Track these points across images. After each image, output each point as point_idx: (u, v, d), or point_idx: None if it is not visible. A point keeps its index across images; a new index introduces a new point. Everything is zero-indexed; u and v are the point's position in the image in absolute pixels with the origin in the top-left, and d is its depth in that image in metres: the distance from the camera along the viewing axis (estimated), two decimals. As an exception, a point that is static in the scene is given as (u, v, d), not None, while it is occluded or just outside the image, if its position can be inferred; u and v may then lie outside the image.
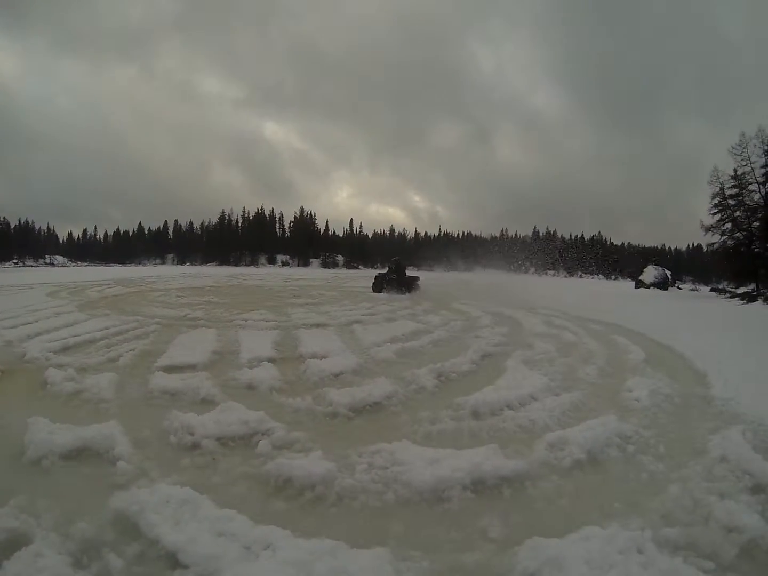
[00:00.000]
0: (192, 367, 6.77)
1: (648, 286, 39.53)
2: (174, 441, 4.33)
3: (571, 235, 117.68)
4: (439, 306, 16.06)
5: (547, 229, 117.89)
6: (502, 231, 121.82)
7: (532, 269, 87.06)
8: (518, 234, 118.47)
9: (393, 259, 24.83)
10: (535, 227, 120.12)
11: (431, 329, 10.51)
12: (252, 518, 2.99)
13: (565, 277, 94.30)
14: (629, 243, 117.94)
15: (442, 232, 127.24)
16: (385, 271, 24.45)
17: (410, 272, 25.62)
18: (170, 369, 6.60)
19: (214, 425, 4.48)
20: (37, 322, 11.42)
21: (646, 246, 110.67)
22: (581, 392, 5.86)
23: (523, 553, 2.70)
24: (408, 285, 23.08)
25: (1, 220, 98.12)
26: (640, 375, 6.78)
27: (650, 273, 41.23)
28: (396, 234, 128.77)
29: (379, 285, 23.23)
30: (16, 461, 4.03)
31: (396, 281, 23.09)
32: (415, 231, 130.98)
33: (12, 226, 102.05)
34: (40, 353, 7.60)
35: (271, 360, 7.16)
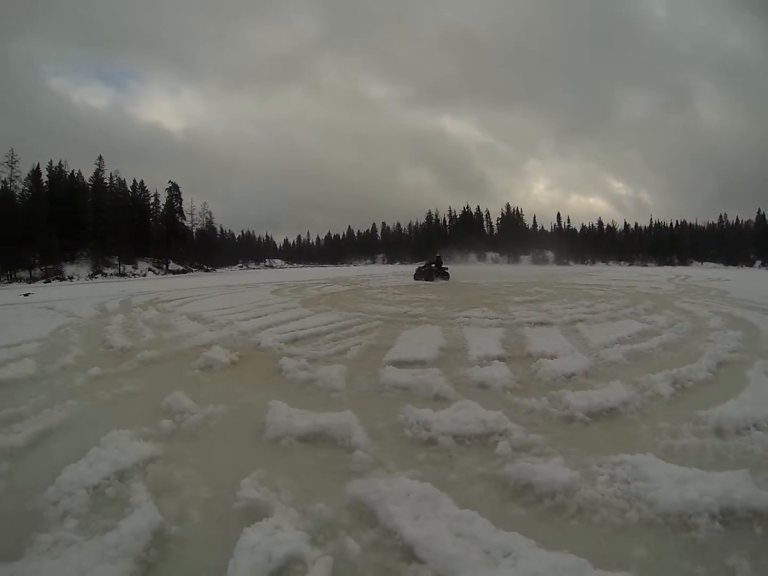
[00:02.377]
0: (421, 363, 6.93)
1: None
2: (409, 435, 4.43)
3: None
4: (661, 305, 14.78)
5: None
6: (720, 217, 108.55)
7: (758, 261, 76.74)
8: (740, 219, 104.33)
9: (436, 256, 34.44)
10: (759, 210, 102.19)
11: (658, 330, 9.67)
12: (492, 522, 2.90)
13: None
14: None
15: (653, 222, 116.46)
16: (424, 264, 34.51)
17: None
18: (399, 364, 6.81)
19: (450, 422, 4.47)
20: (266, 315, 13.01)
21: None
22: None
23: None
24: (444, 274, 31.93)
25: (228, 231, 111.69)
26: None
27: None
28: (605, 227, 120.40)
29: (423, 275, 32.35)
30: (257, 438, 4.47)
31: (436, 271, 32.21)
32: (625, 223, 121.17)
33: (236, 236, 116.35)
34: (272, 343, 8.53)
35: (500, 358, 7.04)
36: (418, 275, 32.40)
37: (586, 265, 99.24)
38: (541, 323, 10.58)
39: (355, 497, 3.25)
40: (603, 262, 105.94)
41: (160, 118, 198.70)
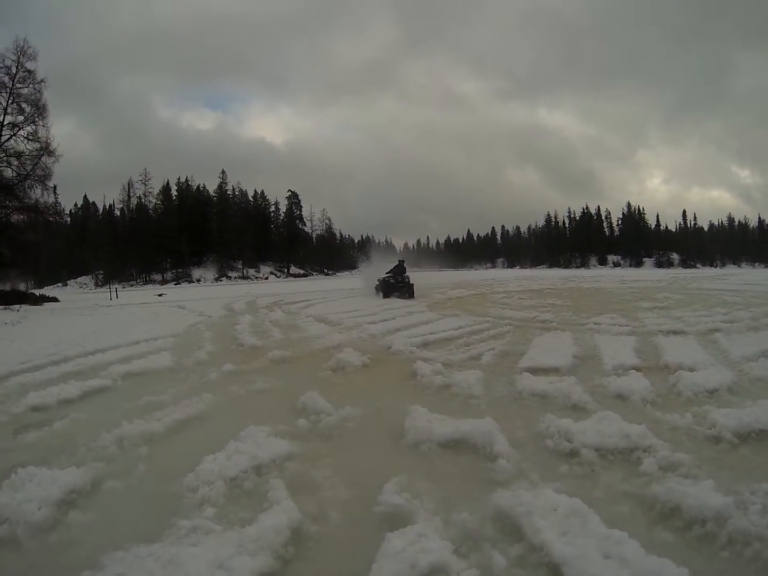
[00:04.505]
0: (556, 371, 6.73)
1: None
2: (551, 445, 4.29)
3: None
4: None
5: None
6: None
7: None
8: None
9: (398, 261, 23.66)
10: None
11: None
12: (642, 545, 2.70)
13: None
14: None
15: None
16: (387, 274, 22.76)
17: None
18: (535, 371, 6.66)
19: (593, 434, 4.28)
20: (393, 319, 13.25)
21: None
22: None
23: None
24: (403, 288, 21.86)
25: (347, 236, 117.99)
26: None
27: None
28: (736, 224, 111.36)
29: (379, 288, 22.74)
30: (395, 442, 4.47)
31: (392, 284, 22.18)
32: (759, 218, 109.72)
33: (356, 241, 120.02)
34: (403, 347, 8.63)
35: (636, 368, 6.68)
36: (378, 288, 22.59)
37: (716, 267, 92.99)
38: (675, 332, 10.00)
39: (500, 508, 3.17)
40: (734, 263, 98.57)
41: (262, 133, 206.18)
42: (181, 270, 75.09)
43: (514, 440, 4.33)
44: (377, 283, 22.83)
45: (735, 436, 4.39)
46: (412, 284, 21.98)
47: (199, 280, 72.88)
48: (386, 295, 21.23)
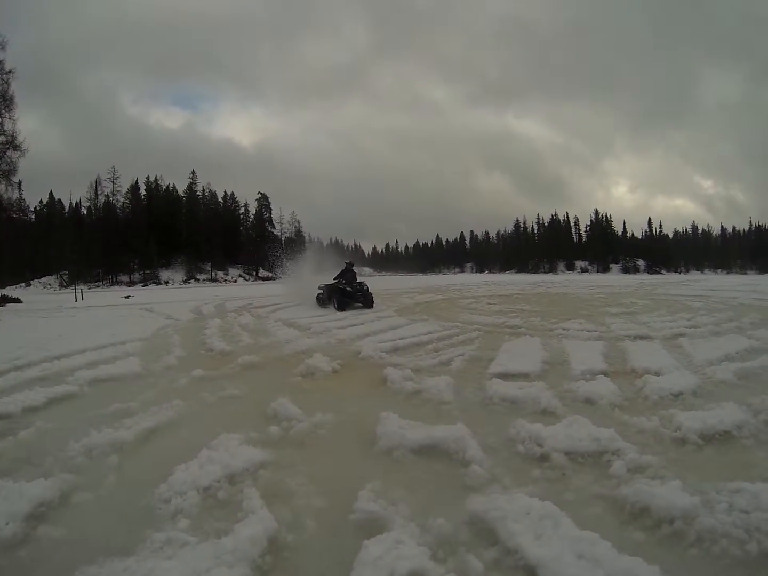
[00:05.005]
0: (525, 376, 6.80)
1: None
2: (522, 450, 4.34)
3: None
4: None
5: None
6: None
7: None
8: None
9: (346, 263, 19.97)
10: None
11: (768, 347, 9.11)
12: (614, 545, 2.78)
13: None
14: None
15: (753, 225, 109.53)
16: (333, 281, 19.11)
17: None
18: (504, 376, 6.69)
19: (563, 438, 4.36)
20: (362, 324, 13.37)
21: None
22: None
23: None
24: (360, 295, 18.57)
25: (317, 239, 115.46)
26: None
27: None
28: (699, 232, 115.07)
29: (327, 297, 19.03)
30: (368, 449, 4.47)
31: (346, 290, 18.43)
32: (721, 226, 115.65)
33: (325, 244, 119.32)
34: (373, 352, 8.64)
35: (604, 373, 6.80)
36: (324, 297, 19.21)
37: (680, 273, 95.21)
38: (641, 337, 10.19)
39: (474, 513, 3.21)
40: (697, 270, 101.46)
41: (231, 134, 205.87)
42: (148, 272, 74.41)
43: (486, 445, 4.36)
44: (319, 291, 19.33)
45: (700, 438, 4.54)
46: (371, 293, 18.99)
47: (167, 282, 72.40)
48: (341, 307, 17.46)
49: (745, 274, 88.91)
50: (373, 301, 18.75)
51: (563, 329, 11.36)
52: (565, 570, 2.58)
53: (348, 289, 18.48)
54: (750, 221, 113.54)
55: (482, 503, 3.28)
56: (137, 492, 3.69)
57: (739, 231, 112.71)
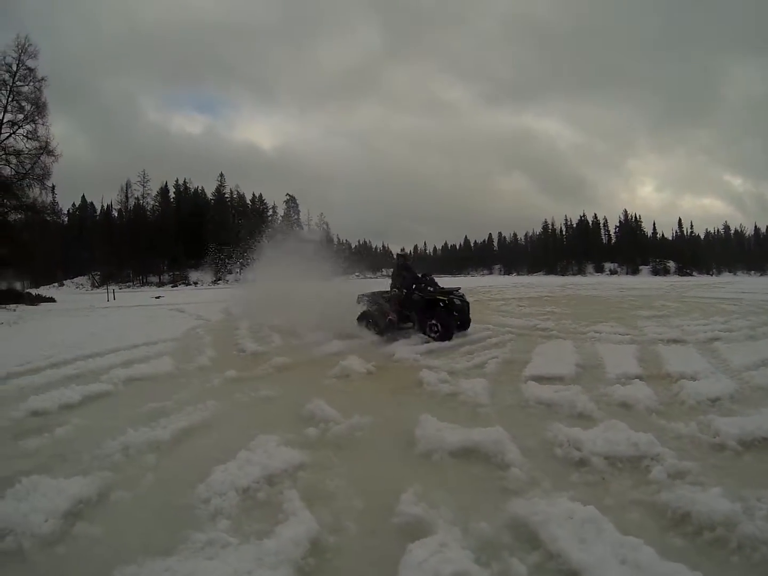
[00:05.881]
0: (560, 379, 6.82)
1: None
2: (560, 454, 4.35)
3: None
4: None
5: None
6: None
7: None
8: None
9: (397, 255, 13.14)
10: None
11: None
12: (656, 550, 2.78)
13: None
14: None
15: None
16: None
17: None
18: (539, 379, 6.73)
19: (601, 442, 4.37)
20: None
21: None
22: None
23: None
24: (449, 319, 10.94)
25: (345, 241, 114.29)
26: None
27: None
28: (732, 232, 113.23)
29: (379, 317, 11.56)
30: (407, 452, 4.50)
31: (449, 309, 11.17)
32: (755, 227, 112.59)
33: (353, 246, 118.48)
34: (407, 354, 8.74)
35: (639, 377, 6.79)
36: (374, 316, 11.56)
37: (711, 275, 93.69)
38: (675, 341, 10.11)
39: (516, 516, 3.24)
40: (730, 271, 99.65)
41: (252, 138, 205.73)
42: (178, 272, 75.55)
43: (524, 448, 4.39)
44: (372, 306, 11.78)
45: (739, 444, 4.52)
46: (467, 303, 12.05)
47: (196, 283, 73.21)
48: (446, 335, 10.46)
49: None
50: (467, 320, 11.94)
51: (595, 332, 11.35)
52: (609, 575, 2.60)
53: (443, 302, 11.12)
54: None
55: (523, 507, 3.30)
56: (176, 491, 3.74)
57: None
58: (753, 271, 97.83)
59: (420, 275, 11.82)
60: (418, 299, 11.23)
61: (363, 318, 11.55)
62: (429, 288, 11.48)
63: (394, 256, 14.06)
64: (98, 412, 5.84)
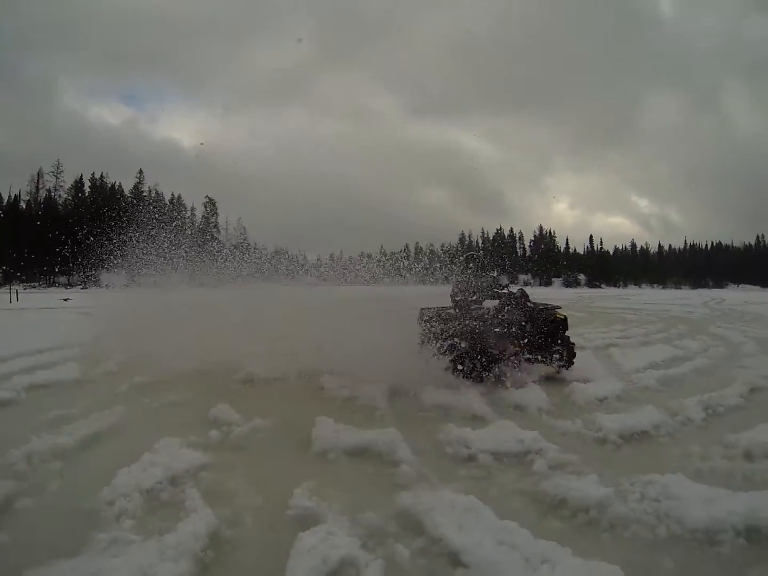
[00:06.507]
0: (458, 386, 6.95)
1: None
2: (450, 452, 4.62)
3: None
4: (695, 330, 14.63)
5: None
6: (757, 237, 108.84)
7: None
8: None
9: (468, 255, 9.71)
10: None
11: (691, 356, 9.74)
12: (532, 532, 3.07)
13: None
14: None
15: (688, 244, 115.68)
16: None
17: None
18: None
19: (490, 440, 4.68)
20: None
21: None
22: None
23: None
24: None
25: (263, 247, 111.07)
26: None
27: None
28: (638, 249, 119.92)
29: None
30: (304, 451, 4.65)
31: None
32: (659, 245, 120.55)
33: (269, 253, 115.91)
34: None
35: (534, 381, 7.23)
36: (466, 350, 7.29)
37: (619, 287, 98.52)
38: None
39: (402, 507, 3.44)
40: (635, 284, 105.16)
41: (173, 135, 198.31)
42: (89, 273, 71.31)
43: (416, 448, 4.60)
44: (463, 338, 7.52)
45: (619, 437, 5.00)
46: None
47: (107, 286, 69.37)
48: (571, 362, 8.20)
49: (680, 288, 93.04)
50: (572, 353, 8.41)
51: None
52: (485, 554, 2.82)
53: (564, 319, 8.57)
54: (685, 240, 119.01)
55: (410, 498, 3.52)
56: (81, 496, 3.71)
57: (674, 249, 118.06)
58: (656, 285, 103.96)
59: (471, 256, 9.37)
60: (537, 317, 8.23)
61: (459, 359, 7.34)
62: (528, 302, 8.41)
63: (463, 258, 9.46)
64: (0, 420, 5.68)
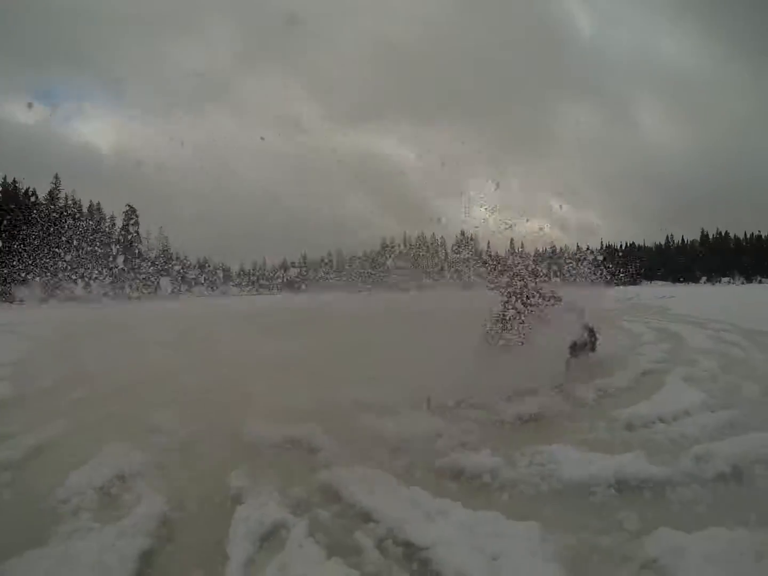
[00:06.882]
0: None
1: None
2: (366, 436, 5.16)
3: (748, 235, 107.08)
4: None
5: (717, 230, 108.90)
6: (667, 237, 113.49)
7: (704, 277, 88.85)
8: (686, 239, 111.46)
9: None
10: (703, 230, 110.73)
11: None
12: (432, 494, 3.76)
13: (742, 284, 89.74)
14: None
15: (604, 245, 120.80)
16: None
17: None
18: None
19: (402, 429, 5.28)
20: None
21: None
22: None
23: (650, 540, 3.12)
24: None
25: (184, 257, 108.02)
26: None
27: None
28: (557, 250, 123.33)
29: None
30: (236, 443, 5.13)
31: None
32: (577, 246, 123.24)
33: (192, 263, 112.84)
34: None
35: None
36: None
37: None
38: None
39: (322, 482, 4.12)
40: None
41: (93, 139, 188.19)
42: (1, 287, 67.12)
43: (334, 436, 5.11)
44: None
45: (517, 420, 5.78)
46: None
47: (22, 300, 65.56)
48: None
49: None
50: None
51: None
52: (391, 512, 3.51)
53: None
54: (601, 242, 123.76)
55: (328, 475, 4.20)
56: (37, 499, 3.94)
57: (591, 250, 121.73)
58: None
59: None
60: None
61: None
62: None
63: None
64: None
